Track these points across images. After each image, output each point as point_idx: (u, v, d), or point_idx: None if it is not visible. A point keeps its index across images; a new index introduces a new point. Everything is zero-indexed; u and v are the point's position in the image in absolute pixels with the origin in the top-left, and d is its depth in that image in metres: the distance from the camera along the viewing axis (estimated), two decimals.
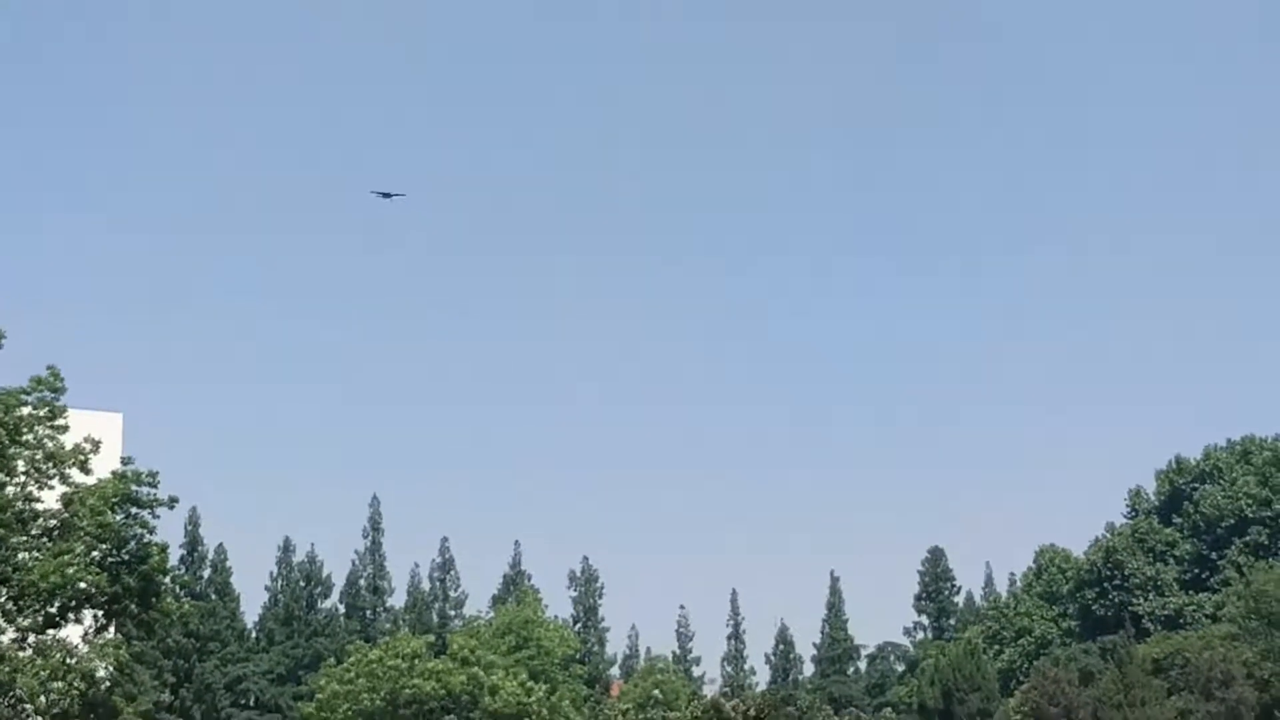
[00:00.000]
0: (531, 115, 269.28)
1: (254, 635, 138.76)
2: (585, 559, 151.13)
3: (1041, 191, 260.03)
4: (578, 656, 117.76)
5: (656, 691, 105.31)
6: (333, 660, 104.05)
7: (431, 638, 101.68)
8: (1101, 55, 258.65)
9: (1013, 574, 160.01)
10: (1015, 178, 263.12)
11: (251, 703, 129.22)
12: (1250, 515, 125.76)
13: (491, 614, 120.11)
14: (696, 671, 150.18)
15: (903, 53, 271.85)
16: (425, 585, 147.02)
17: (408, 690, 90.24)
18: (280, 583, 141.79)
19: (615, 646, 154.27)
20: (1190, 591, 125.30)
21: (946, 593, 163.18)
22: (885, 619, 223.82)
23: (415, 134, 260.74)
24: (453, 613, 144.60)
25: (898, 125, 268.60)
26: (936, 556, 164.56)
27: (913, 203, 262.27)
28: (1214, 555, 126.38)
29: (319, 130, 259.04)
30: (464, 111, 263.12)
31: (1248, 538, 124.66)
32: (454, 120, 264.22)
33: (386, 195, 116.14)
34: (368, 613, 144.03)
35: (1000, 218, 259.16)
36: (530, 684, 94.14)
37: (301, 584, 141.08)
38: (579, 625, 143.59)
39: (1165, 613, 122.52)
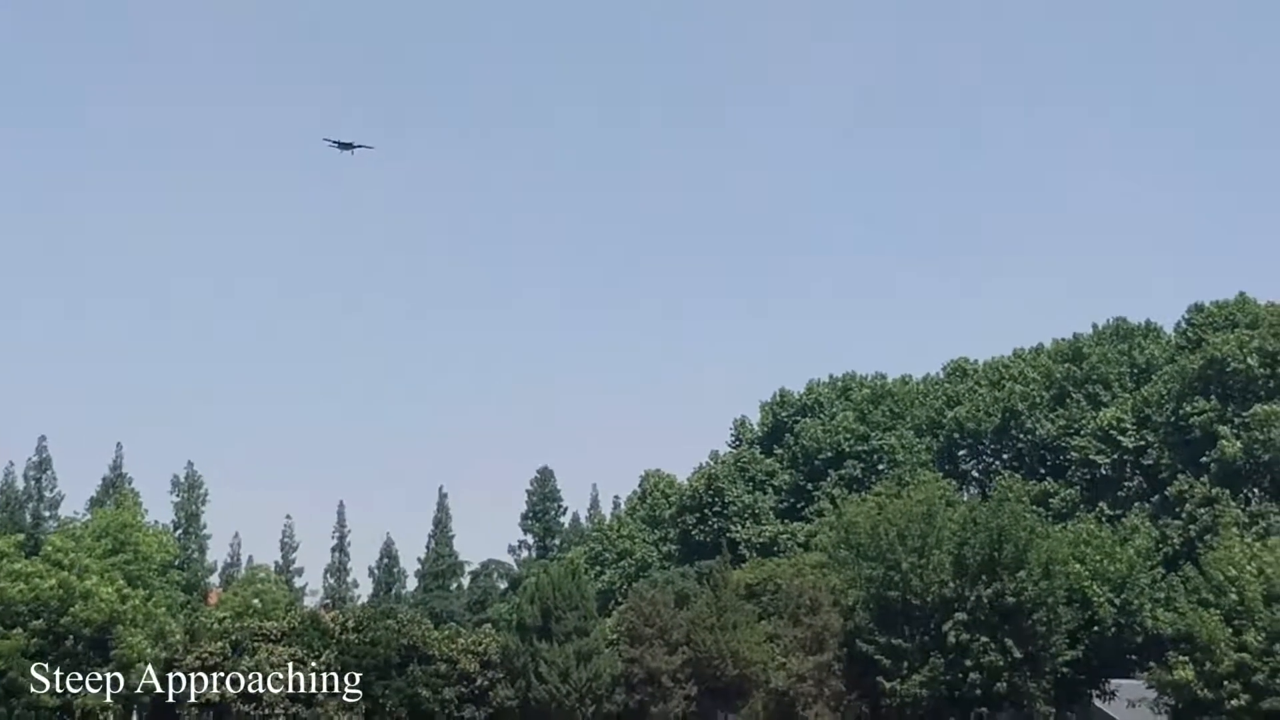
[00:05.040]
0: None
1: None
2: (190, 464, 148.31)
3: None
4: (176, 563, 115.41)
5: (255, 600, 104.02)
6: None
7: (22, 538, 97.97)
8: None
9: (618, 497, 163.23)
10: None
11: None
12: (846, 449, 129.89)
13: (88, 516, 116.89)
14: (299, 582, 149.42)
15: None
16: (20, 484, 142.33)
17: None
18: None
19: (217, 554, 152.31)
20: (786, 520, 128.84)
21: (553, 513, 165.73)
22: (493, 537, 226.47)
23: None
24: (48, 514, 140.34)
25: None
26: (545, 477, 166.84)
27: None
28: (810, 486, 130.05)
29: None
30: None
31: (843, 470, 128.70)
32: None
33: (345, 146, 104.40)
34: None
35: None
36: (126, 589, 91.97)
37: None
38: (180, 531, 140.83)
39: (761, 540, 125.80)
